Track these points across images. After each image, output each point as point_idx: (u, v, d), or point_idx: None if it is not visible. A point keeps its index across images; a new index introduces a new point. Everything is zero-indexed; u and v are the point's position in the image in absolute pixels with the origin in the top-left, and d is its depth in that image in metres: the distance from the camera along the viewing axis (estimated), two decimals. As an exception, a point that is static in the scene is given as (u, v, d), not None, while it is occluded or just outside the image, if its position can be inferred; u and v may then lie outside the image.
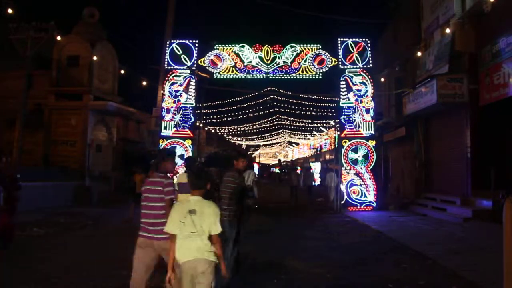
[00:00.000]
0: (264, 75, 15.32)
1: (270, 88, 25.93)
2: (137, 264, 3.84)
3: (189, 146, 14.95)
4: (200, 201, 3.34)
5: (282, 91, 26.41)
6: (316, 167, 32.02)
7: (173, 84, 15.20)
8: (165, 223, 3.45)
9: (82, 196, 15.99)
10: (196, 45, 15.39)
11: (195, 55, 15.28)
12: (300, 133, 47.56)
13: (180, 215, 3.27)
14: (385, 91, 17.84)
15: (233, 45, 15.44)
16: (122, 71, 20.79)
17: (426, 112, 13.72)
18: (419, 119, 15.10)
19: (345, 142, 14.56)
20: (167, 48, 15.50)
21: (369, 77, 14.78)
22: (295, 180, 17.86)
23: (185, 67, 15.24)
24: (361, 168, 14.35)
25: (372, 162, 14.40)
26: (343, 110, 14.77)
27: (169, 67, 15.35)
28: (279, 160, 62.74)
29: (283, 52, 15.23)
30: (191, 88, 15.28)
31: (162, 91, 16.01)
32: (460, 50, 12.00)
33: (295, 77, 15.24)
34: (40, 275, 5.67)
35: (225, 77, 15.52)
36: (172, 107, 15.08)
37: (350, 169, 14.43)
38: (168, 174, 4.12)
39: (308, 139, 52.14)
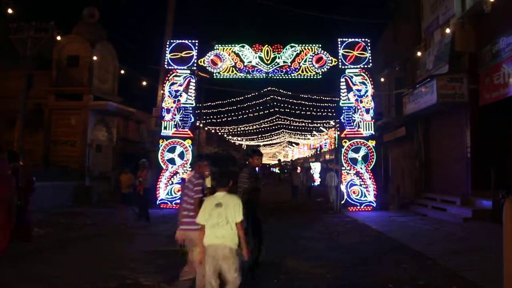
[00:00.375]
0: (264, 75, 15.31)
1: (270, 88, 25.91)
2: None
3: (189, 146, 14.96)
4: (225, 196, 3.94)
5: (282, 91, 26.38)
6: (316, 167, 31.99)
7: (173, 84, 15.20)
8: (194, 217, 4.06)
9: (82, 196, 15.98)
10: (196, 45, 15.40)
11: (195, 55, 15.29)
12: (300, 133, 47.56)
13: (209, 208, 3.89)
14: (385, 91, 17.83)
15: (233, 45, 15.43)
16: (122, 71, 20.77)
17: (426, 112, 13.72)
18: (419, 119, 15.09)
19: (345, 142, 14.56)
20: (167, 48, 15.51)
21: (369, 77, 14.79)
22: (296, 180, 17.86)
23: (185, 67, 15.25)
24: (361, 168, 14.35)
25: (372, 162, 14.40)
26: (343, 110, 14.77)
27: (169, 67, 15.36)
28: (279, 160, 62.67)
29: (283, 52, 15.23)
30: (191, 88, 15.29)
31: (162, 91, 16.01)
32: (460, 50, 11.99)
33: (295, 77, 15.24)
34: (40, 275, 5.67)
35: (225, 77, 15.51)
36: (172, 107, 15.08)
37: (350, 169, 14.43)
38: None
39: (308, 139, 52.12)
